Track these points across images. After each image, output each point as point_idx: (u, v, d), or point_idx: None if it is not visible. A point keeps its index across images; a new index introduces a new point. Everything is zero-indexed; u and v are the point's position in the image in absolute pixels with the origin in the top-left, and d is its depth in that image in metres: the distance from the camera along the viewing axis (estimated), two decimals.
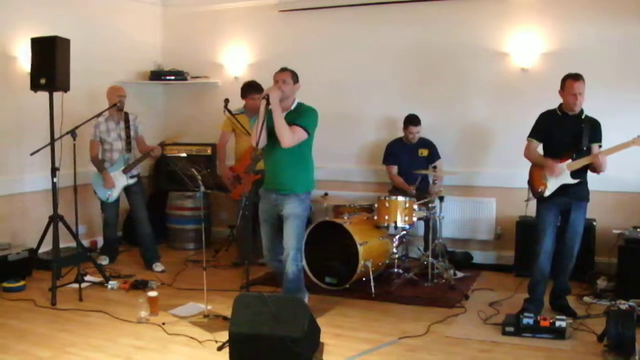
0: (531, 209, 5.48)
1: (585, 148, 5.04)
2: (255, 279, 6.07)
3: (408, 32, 7.14)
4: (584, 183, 5.14)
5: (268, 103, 4.77)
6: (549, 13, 6.55)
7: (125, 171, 6.57)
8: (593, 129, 5.10)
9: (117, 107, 6.41)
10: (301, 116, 4.93)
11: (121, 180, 6.59)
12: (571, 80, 5.04)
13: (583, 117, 5.15)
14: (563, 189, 5.10)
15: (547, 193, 5.15)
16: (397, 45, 7.20)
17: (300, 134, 4.87)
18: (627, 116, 6.21)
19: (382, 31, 7.26)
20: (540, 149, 5.33)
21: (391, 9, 7.19)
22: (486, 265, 6.83)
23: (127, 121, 6.62)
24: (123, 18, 7.95)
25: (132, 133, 6.64)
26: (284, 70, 4.98)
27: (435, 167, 6.36)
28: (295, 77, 4.98)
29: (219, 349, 4.45)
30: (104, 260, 6.90)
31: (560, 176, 5.08)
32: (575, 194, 5.11)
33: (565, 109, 5.16)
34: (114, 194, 6.61)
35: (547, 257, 5.19)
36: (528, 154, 5.35)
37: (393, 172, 6.85)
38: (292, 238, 4.96)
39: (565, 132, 5.15)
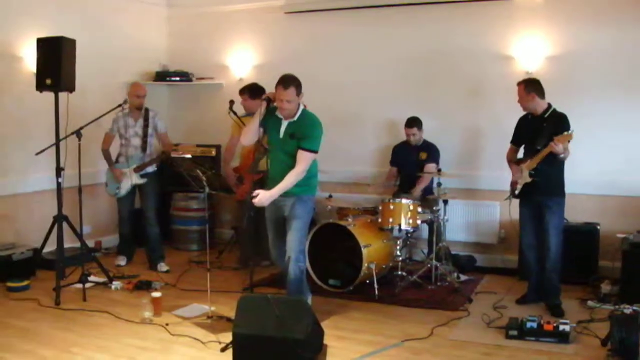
0: None
1: (539, 147, 5.24)
2: (259, 280, 6.06)
3: (413, 35, 7.14)
4: (549, 180, 5.32)
5: (268, 104, 4.85)
6: (554, 17, 6.55)
7: (136, 170, 6.60)
8: (556, 124, 5.23)
9: (122, 107, 6.43)
10: (307, 137, 4.83)
11: (132, 178, 6.63)
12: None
13: (546, 115, 5.37)
14: (529, 187, 5.37)
15: (517, 192, 5.51)
16: (403, 49, 7.20)
17: (307, 162, 4.84)
18: (630, 118, 6.22)
19: (387, 34, 7.26)
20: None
21: (396, 12, 7.19)
22: (490, 269, 6.81)
23: (146, 119, 6.64)
24: (129, 19, 7.97)
25: (150, 130, 6.66)
26: (287, 87, 4.73)
27: (440, 170, 6.34)
28: (299, 89, 4.80)
29: (223, 350, 4.46)
30: (122, 261, 6.94)
31: (522, 177, 5.41)
32: (541, 191, 5.35)
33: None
34: (122, 190, 6.65)
35: (528, 250, 5.61)
36: (506, 157, 5.78)
37: (390, 173, 6.98)
38: (294, 241, 4.93)
39: (529, 134, 5.48)
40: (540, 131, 5.29)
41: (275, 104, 4.89)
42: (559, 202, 5.40)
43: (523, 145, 5.66)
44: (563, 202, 5.43)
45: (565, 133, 5.01)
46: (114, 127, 6.65)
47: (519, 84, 5.46)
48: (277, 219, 5.10)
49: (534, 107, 5.40)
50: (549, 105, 5.39)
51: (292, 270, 4.95)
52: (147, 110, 6.68)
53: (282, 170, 4.89)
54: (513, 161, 5.68)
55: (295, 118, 4.89)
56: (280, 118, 4.91)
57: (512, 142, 5.76)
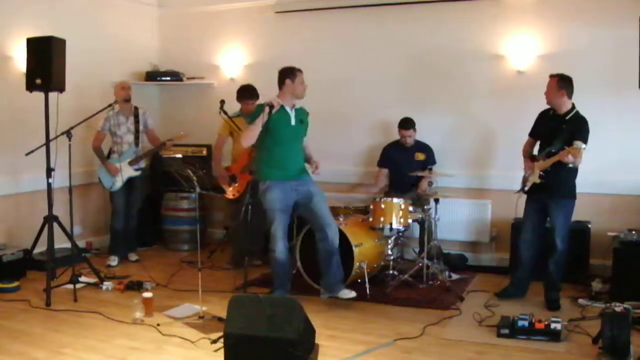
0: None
1: (554, 150, 5.20)
2: (251, 280, 6.05)
3: (403, 34, 7.14)
4: (557, 181, 5.30)
5: (270, 110, 5.10)
6: (544, 15, 6.56)
7: (131, 163, 6.76)
8: (576, 128, 5.21)
9: (117, 102, 6.56)
10: (307, 123, 5.63)
11: (126, 171, 6.75)
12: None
13: (568, 117, 5.30)
14: (538, 186, 5.35)
15: (526, 189, 5.52)
16: (393, 48, 7.20)
17: None
18: (621, 117, 6.24)
19: (378, 33, 7.26)
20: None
21: (387, 11, 7.19)
22: (481, 267, 6.82)
23: (136, 116, 6.84)
24: (119, 18, 7.94)
25: (140, 127, 6.86)
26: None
27: (431, 169, 6.35)
28: None
29: (213, 342, 4.50)
30: (113, 261, 6.91)
31: (532, 175, 5.40)
32: (549, 192, 5.34)
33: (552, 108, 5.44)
34: (118, 183, 6.73)
35: (525, 246, 5.60)
36: (522, 149, 5.71)
37: (379, 174, 6.96)
38: (328, 211, 5.51)
39: (548, 131, 5.43)
40: (558, 131, 5.25)
41: (280, 104, 5.26)
42: (565, 204, 5.39)
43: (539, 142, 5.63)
44: (571, 204, 5.42)
45: (579, 147, 4.94)
46: (105, 126, 6.74)
47: (552, 76, 5.36)
48: (289, 208, 5.41)
49: (559, 104, 5.33)
50: (573, 106, 5.34)
51: (335, 239, 5.42)
52: (136, 108, 6.86)
53: (302, 158, 5.58)
54: (528, 156, 5.65)
55: (297, 106, 5.48)
56: (287, 111, 5.35)
57: (530, 134, 5.69)
